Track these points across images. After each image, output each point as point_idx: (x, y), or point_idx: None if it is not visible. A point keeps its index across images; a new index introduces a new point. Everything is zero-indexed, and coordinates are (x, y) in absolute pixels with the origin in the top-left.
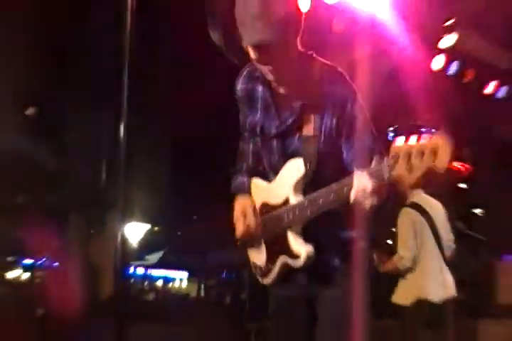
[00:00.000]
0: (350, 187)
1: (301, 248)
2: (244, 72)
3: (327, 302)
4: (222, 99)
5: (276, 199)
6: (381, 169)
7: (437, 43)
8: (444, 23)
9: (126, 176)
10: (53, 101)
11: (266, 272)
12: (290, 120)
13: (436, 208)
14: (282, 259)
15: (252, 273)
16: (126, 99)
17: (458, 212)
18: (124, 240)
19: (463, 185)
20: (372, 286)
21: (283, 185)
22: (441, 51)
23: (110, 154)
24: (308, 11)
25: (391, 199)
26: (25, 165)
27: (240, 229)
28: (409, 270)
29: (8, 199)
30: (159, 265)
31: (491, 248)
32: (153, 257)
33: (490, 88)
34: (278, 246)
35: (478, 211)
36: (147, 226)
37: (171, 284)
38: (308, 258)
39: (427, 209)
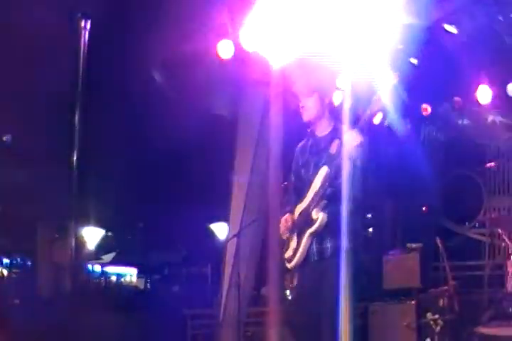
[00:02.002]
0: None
1: (318, 214)
2: None
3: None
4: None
5: None
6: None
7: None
8: None
9: (82, 189)
10: None
11: (293, 256)
12: None
13: None
14: (307, 232)
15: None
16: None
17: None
18: (83, 242)
19: None
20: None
21: None
22: None
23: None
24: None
25: None
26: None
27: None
28: None
29: None
30: (113, 263)
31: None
32: (108, 257)
33: None
34: (304, 225)
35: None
36: (102, 231)
37: (123, 279)
38: (323, 219)
39: None
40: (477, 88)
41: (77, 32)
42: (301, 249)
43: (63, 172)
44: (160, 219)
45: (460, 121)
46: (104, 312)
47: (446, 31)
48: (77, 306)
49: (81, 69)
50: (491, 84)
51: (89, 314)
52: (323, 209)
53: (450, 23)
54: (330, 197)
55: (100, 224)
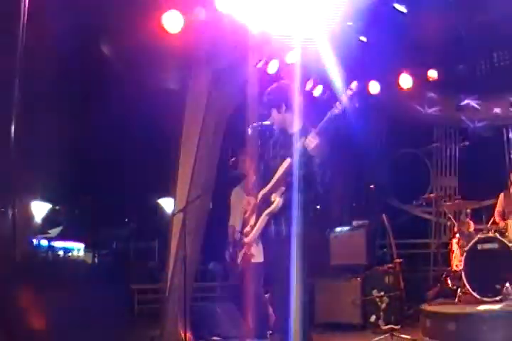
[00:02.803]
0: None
1: (276, 198)
2: None
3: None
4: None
5: None
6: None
7: None
8: None
9: (26, 164)
10: None
11: (249, 232)
12: None
13: None
14: (265, 212)
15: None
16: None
17: None
18: (30, 216)
19: None
20: None
21: None
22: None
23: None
24: None
25: None
26: None
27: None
28: None
29: None
30: (60, 238)
31: (324, 221)
32: (55, 231)
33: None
34: (263, 206)
35: None
36: (49, 205)
37: (70, 253)
38: (278, 202)
39: None
40: (426, 67)
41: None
42: (257, 226)
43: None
44: (108, 194)
45: (409, 101)
46: (51, 286)
47: (396, 10)
48: (23, 280)
49: (21, 35)
50: (440, 64)
51: (35, 287)
52: (280, 195)
53: (400, 3)
54: (288, 186)
55: (47, 198)
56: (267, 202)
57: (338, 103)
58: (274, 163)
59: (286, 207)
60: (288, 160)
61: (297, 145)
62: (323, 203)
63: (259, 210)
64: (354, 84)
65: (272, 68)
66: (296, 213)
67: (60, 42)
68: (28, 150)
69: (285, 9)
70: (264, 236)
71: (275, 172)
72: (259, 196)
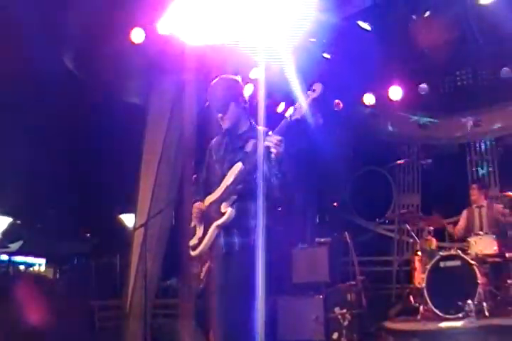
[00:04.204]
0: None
1: (226, 208)
2: None
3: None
4: None
5: None
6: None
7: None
8: None
9: None
10: None
11: (197, 245)
12: None
13: None
14: (214, 224)
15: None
16: None
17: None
18: None
19: None
20: None
21: None
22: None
23: None
24: None
25: None
26: None
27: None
28: None
29: None
30: (21, 252)
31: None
32: (15, 245)
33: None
34: (212, 216)
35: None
36: (9, 219)
37: (31, 268)
38: (230, 214)
39: None
40: (390, 85)
41: None
42: (206, 240)
43: None
44: (70, 209)
45: (372, 118)
46: (11, 302)
47: (360, 28)
48: None
49: None
50: (403, 82)
51: None
52: (231, 204)
53: (364, 20)
54: (240, 193)
55: (8, 212)
56: (215, 212)
57: (297, 105)
58: (220, 167)
59: (239, 217)
60: (238, 165)
61: (248, 148)
62: (285, 218)
63: (206, 220)
64: (317, 86)
65: (248, 91)
66: (257, 223)
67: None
68: None
69: (249, 25)
70: (212, 249)
71: (222, 178)
72: (206, 203)
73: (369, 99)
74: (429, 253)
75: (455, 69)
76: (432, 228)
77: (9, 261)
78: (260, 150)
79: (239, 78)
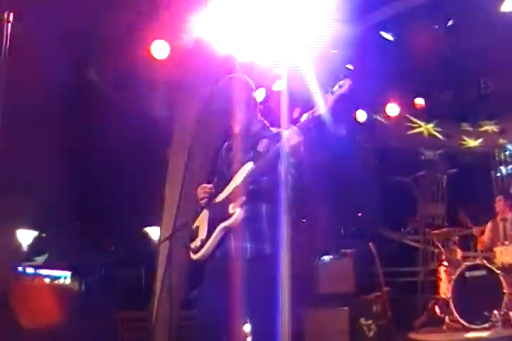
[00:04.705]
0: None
1: (235, 209)
2: None
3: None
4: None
5: None
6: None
7: None
8: None
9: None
10: None
11: (200, 247)
12: None
13: None
14: (220, 225)
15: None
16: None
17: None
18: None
19: None
20: None
21: None
22: None
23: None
24: None
25: None
26: None
27: None
28: None
29: None
30: (46, 265)
31: (312, 249)
32: (41, 258)
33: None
34: (218, 217)
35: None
36: (35, 233)
37: (57, 281)
38: (239, 215)
39: None
40: (412, 94)
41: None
42: (209, 242)
43: None
44: (95, 221)
45: (395, 128)
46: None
47: (383, 38)
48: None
49: (3, 69)
50: (426, 91)
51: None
52: (240, 206)
53: (387, 31)
54: (250, 195)
55: (33, 225)
56: (222, 213)
57: (321, 100)
58: (228, 169)
59: (251, 220)
60: (249, 165)
61: (260, 148)
62: (309, 231)
63: (211, 221)
64: (345, 82)
65: (259, 96)
66: (281, 232)
67: (46, 69)
68: (12, 177)
69: (270, 37)
70: (217, 254)
71: (230, 179)
72: (217, 202)
73: (392, 108)
74: (454, 263)
75: (478, 77)
76: (457, 238)
77: (35, 274)
78: (282, 153)
79: (247, 78)
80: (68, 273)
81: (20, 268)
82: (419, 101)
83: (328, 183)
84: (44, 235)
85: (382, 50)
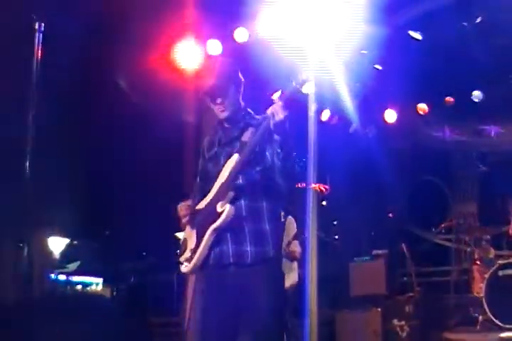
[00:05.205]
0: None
1: (224, 207)
2: None
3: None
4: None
5: None
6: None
7: None
8: None
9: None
10: None
11: (191, 257)
12: None
13: None
14: (210, 228)
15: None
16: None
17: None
18: (48, 252)
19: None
20: None
21: None
22: None
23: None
24: None
25: None
26: None
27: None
28: None
29: None
30: (78, 272)
31: (343, 251)
32: (73, 266)
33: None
34: (207, 219)
35: (335, 223)
36: (67, 240)
37: (88, 288)
38: (229, 212)
39: None
40: (443, 93)
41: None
42: (201, 248)
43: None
44: (125, 228)
45: (426, 127)
46: (70, 321)
47: (412, 37)
48: (42, 316)
49: (35, 76)
50: (456, 89)
51: (54, 324)
52: (230, 202)
53: (415, 30)
54: (240, 189)
55: (65, 233)
56: (210, 214)
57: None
58: (215, 165)
59: (250, 219)
60: (235, 157)
61: (245, 137)
62: (341, 233)
63: (199, 226)
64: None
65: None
66: (307, 232)
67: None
68: (44, 184)
69: (299, 40)
70: (210, 260)
71: (217, 175)
72: (202, 207)
73: (422, 107)
74: (487, 262)
75: (508, 74)
76: (489, 236)
77: (66, 281)
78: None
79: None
80: (100, 280)
81: (52, 276)
82: (449, 100)
83: (359, 184)
84: (76, 242)
85: (410, 49)
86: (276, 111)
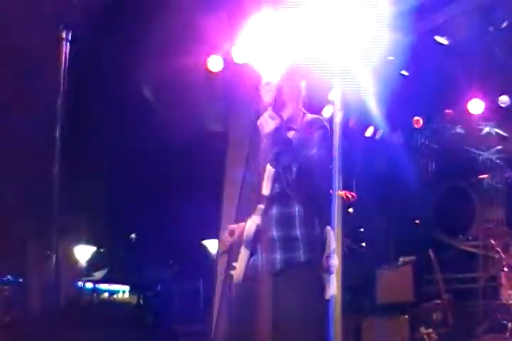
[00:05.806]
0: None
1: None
2: None
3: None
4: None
5: None
6: None
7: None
8: None
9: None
10: None
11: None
12: None
13: None
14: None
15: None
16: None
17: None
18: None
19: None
20: None
21: None
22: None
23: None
24: None
25: None
26: None
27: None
28: None
29: None
30: (105, 280)
31: (370, 258)
32: (99, 273)
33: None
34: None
35: (361, 230)
36: (93, 248)
37: (115, 296)
38: (250, 226)
39: None
40: (469, 99)
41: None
42: (239, 265)
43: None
44: (151, 236)
45: (452, 133)
46: (96, 329)
47: (437, 42)
48: (69, 323)
49: (62, 82)
50: (483, 95)
51: (81, 331)
52: (258, 214)
53: (441, 35)
54: (278, 198)
55: (91, 241)
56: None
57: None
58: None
59: (280, 227)
60: (269, 169)
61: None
62: (367, 240)
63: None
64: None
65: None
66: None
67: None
68: (71, 194)
69: (323, 48)
70: (247, 272)
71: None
72: (240, 226)
73: (449, 114)
74: None
75: None
76: None
77: (93, 289)
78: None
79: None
80: (127, 288)
81: (80, 283)
82: (475, 105)
83: (385, 191)
84: (102, 250)
85: (437, 54)
86: (266, 121)
